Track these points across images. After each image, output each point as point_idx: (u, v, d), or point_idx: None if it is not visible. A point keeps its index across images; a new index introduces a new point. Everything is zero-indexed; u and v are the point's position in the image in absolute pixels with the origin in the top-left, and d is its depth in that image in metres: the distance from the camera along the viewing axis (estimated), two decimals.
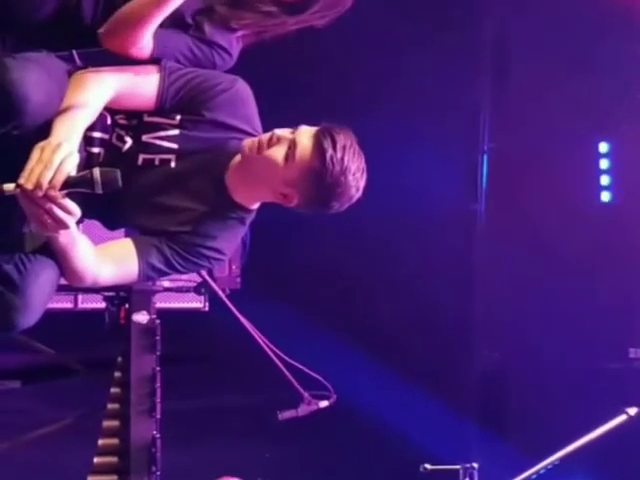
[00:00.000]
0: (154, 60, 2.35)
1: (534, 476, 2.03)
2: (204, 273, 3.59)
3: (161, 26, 2.31)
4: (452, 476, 2.27)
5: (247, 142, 2.31)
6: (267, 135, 2.29)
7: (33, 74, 2.08)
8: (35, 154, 2.04)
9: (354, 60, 4.64)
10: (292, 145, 2.28)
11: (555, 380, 4.55)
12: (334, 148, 2.26)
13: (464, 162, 4.84)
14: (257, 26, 2.49)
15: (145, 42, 2.30)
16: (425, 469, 1.92)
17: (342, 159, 2.26)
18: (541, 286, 4.68)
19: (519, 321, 4.70)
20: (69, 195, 2.08)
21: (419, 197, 4.64)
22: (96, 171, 2.06)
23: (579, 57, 4.68)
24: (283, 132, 2.30)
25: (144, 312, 3.30)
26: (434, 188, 4.66)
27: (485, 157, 4.82)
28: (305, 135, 2.29)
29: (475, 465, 1.92)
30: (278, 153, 2.28)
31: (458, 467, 1.90)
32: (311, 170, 2.27)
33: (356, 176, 2.30)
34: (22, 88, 2.05)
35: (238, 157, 2.35)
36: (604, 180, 4.88)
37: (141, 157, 2.31)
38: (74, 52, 2.39)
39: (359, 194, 2.35)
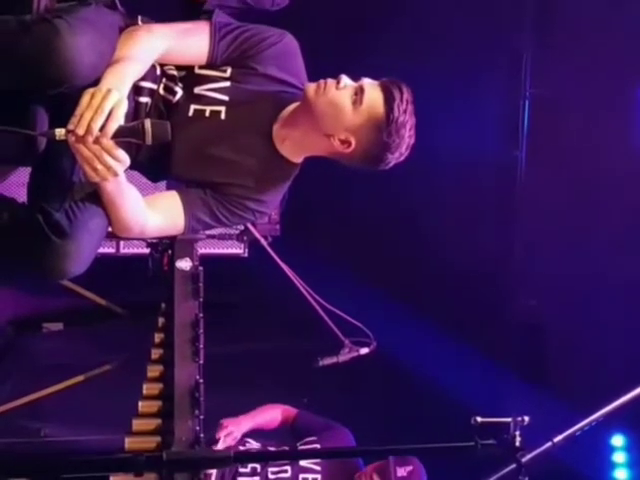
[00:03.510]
0: (204, 12, 2.35)
1: (579, 432, 2.03)
2: None
3: None
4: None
5: (311, 85, 2.32)
6: (333, 79, 2.31)
7: (85, 37, 2.06)
8: (85, 99, 2.04)
9: (394, 5, 4.57)
10: (359, 91, 2.30)
11: (597, 330, 4.54)
12: (401, 99, 2.29)
13: (505, 108, 4.78)
14: None
15: None
16: (476, 421, 1.92)
17: (405, 111, 2.30)
18: (582, 233, 4.64)
19: (560, 269, 4.68)
20: (117, 144, 2.09)
21: (460, 143, 4.59)
22: (147, 122, 2.06)
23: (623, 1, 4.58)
24: (348, 79, 2.32)
25: (187, 259, 3.31)
26: (475, 134, 4.61)
27: (527, 102, 4.75)
28: (370, 84, 2.32)
29: (526, 418, 1.93)
30: (345, 97, 2.30)
31: (509, 420, 1.91)
32: (377, 116, 2.29)
33: (411, 132, 2.35)
34: (74, 52, 2.04)
35: (288, 109, 2.36)
36: None
37: (192, 108, 2.32)
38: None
39: (407, 153, 2.38)
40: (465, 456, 1.93)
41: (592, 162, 4.69)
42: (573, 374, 4.54)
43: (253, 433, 3.64)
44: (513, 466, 1.90)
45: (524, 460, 1.90)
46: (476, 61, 4.62)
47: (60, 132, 2.04)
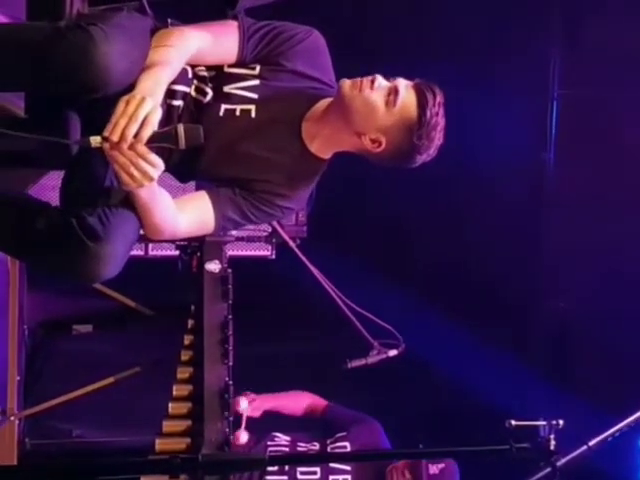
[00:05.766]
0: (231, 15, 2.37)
1: (610, 438, 2.01)
2: (275, 223, 3.61)
3: None
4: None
5: (347, 82, 2.33)
6: (369, 77, 2.32)
7: (119, 44, 2.08)
8: (120, 107, 2.07)
9: (421, 5, 4.57)
10: (393, 92, 2.32)
11: (626, 333, 4.50)
12: (434, 103, 2.31)
13: (534, 109, 4.75)
14: None
15: None
16: (510, 425, 1.91)
17: (437, 114, 2.32)
18: (611, 235, 4.61)
19: (589, 271, 4.65)
20: (151, 149, 2.11)
21: (488, 145, 4.57)
22: (180, 127, 2.09)
23: None
24: (383, 79, 2.33)
25: (216, 261, 3.33)
26: (503, 136, 4.60)
27: (555, 104, 4.73)
28: (404, 85, 2.33)
29: (561, 422, 1.92)
30: (378, 97, 2.31)
31: (544, 423, 1.90)
32: (409, 119, 2.31)
33: (440, 135, 2.37)
34: (109, 60, 2.06)
35: (317, 106, 2.38)
36: None
37: (223, 107, 2.34)
38: (144, 1, 2.40)
39: (434, 154, 2.39)
40: (500, 459, 1.92)
41: (621, 163, 4.66)
42: (602, 377, 4.50)
43: (275, 414, 3.68)
44: (547, 470, 1.89)
45: (559, 464, 1.89)
46: (504, 62, 4.60)
47: (95, 139, 2.06)
